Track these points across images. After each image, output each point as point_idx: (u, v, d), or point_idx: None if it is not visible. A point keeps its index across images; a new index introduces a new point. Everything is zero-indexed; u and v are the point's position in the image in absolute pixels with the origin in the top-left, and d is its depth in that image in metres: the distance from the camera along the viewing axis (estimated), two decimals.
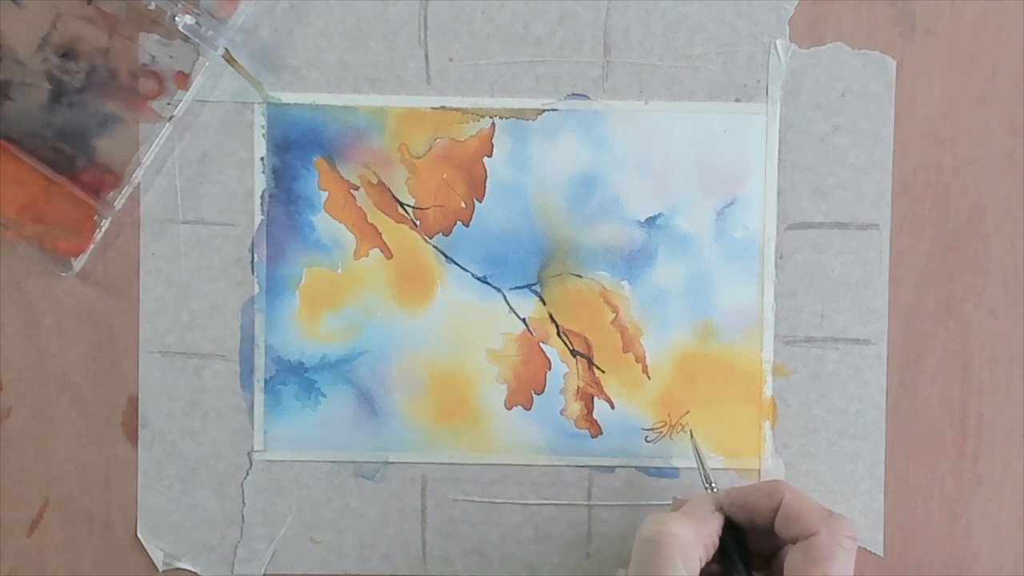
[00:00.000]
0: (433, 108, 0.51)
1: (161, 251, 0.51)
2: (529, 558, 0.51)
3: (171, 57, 0.50)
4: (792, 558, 0.43)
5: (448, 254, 0.51)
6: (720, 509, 0.45)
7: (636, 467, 0.51)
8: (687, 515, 0.44)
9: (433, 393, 0.51)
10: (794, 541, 0.43)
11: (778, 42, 0.51)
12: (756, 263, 0.51)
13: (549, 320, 0.51)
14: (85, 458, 0.51)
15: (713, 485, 0.48)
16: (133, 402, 0.51)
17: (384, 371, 0.51)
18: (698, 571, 0.43)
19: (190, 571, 0.51)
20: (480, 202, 0.51)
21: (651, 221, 0.51)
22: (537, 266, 0.51)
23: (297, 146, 0.51)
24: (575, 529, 0.51)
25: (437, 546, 0.51)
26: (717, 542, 0.44)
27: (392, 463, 0.51)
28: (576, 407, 0.51)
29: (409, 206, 0.51)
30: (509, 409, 0.51)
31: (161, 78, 0.51)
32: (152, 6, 0.49)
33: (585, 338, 0.51)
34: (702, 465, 0.48)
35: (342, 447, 0.51)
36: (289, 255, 0.51)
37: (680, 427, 0.51)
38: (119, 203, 0.50)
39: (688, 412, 0.51)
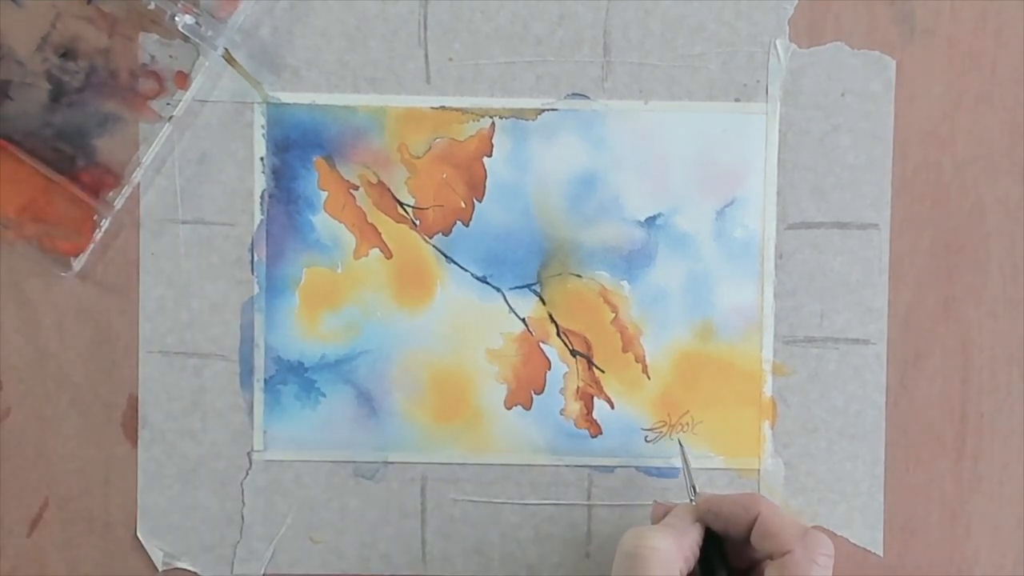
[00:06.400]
0: (433, 108, 0.51)
1: (161, 251, 0.51)
2: (529, 558, 0.51)
3: (171, 57, 0.51)
4: (769, 575, 0.43)
5: (448, 254, 0.51)
6: (699, 519, 0.45)
7: (636, 467, 0.51)
8: (667, 527, 0.44)
9: (433, 393, 0.51)
10: (770, 557, 0.43)
11: (778, 42, 0.51)
12: (756, 263, 0.51)
13: (549, 320, 0.51)
14: (85, 458, 0.51)
15: (694, 498, 0.48)
16: (133, 402, 0.51)
17: (384, 371, 0.51)
18: None
19: (190, 571, 0.51)
20: (480, 202, 0.51)
21: (651, 221, 0.51)
22: (537, 266, 0.51)
23: (297, 146, 0.51)
24: (575, 529, 0.51)
25: (437, 546, 0.51)
26: (697, 553, 0.44)
27: (392, 463, 0.51)
28: (576, 407, 0.51)
29: (409, 206, 0.51)
30: (509, 409, 0.51)
31: (161, 78, 0.51)
32: (152, 6, 0.49)
33: (585, 338, 0.51)
34: (688, 475, 0.48)
35: (342, 447, 0.51)
36: (289, 255, 0.51)
37: (680, 427, 0.51)
38: (119, 203, 0.50)
39: (688, 412, 0.51)
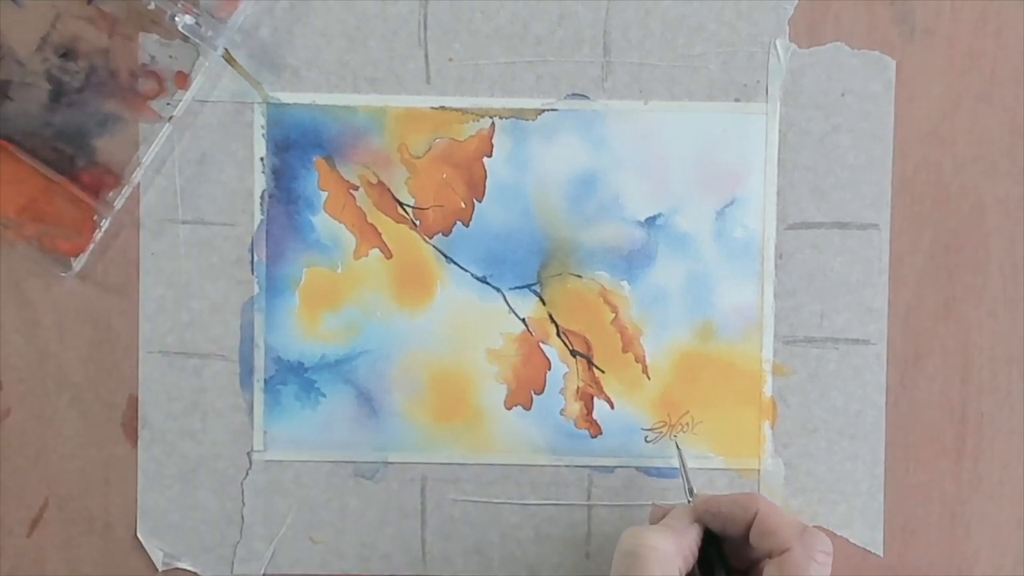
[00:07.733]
0: (433, 108, 0.51)
1: (161, 251, 0.51)
2: (529, 558, 0.51)
3: (171, 57, 0.51)
4: (768, 573, 0.43)
5: (448, 254, 0.51)
6: (698, 519, 0.45)
7: (636, 467, 0.51)
8: (665, 527, 0.44)
9: (433, 393, 0.51)
10: (769, 555, 0.43)
11: (778, 42, 0.51)
12: (756, 263, 0.51)
13: (549, 320, 0.51)
14: (85, 458, 0.51)
15: (692, 499, 0.48)
16: (133, 402, 0.51)
17: (384, 371, 0.51)
18: None
19: (190, 571, 0.51)
20: (480, 202, 0.51)
21: (651, 221, 0.51)
22: (537, 266, 0.51)
23: (297, 146, 0.51)
24: (575, 529, 0.51)
25: (437, 546, 0.51)
26: (696, 552, 0.45)
27: (392, 463, 0.51)
28: (576, 407, 0.51)
29: (409, 206, 0.51)
30: (509, 409, 0.51)
31: (161, 78, 0.51)
32: (152, 6, 0.49)
33: (585, 338, 0.51)
34: (685, 475, 0.48)
35: (342, 447, 0.51)
36: (289, 255, 0.51)
37: (680, 427, 0.51)
38: (119, 203, 0.50)
39: (688, 412, 0.51)
